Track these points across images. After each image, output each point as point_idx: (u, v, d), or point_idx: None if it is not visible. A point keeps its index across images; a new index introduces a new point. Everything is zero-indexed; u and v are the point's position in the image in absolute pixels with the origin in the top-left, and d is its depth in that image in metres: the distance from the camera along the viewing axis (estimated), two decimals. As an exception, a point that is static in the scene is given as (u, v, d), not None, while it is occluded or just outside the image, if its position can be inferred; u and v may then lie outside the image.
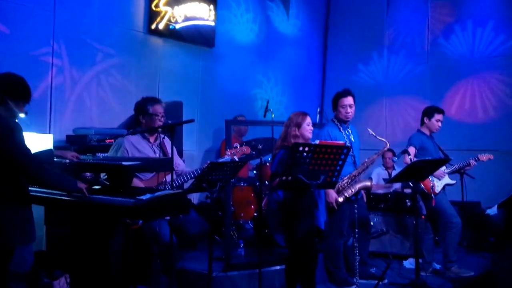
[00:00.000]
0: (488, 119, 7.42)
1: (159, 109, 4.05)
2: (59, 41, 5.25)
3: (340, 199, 4.39)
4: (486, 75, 7.50)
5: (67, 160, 3.27)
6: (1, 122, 2.73)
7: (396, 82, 8.41)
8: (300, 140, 4.07)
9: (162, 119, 4.07)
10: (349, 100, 4.61)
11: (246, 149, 4.32)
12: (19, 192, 2.76)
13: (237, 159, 4.17)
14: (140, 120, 4.07)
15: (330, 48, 9.24)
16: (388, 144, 4.61)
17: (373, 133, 4.56)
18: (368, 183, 4.57)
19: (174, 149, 3.65)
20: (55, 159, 3.34)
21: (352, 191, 4.44)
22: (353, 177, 4.47)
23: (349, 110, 4.61)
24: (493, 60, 7.45)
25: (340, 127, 4.64)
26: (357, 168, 4.52)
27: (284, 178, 3.46)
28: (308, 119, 4.16)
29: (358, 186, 4.49)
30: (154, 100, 4.09)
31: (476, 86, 7.57)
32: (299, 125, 4.10)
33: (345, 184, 4.42)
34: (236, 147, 4.29)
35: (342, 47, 9.05)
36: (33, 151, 3.02)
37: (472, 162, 5.28)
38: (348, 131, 4.66)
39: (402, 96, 8.33)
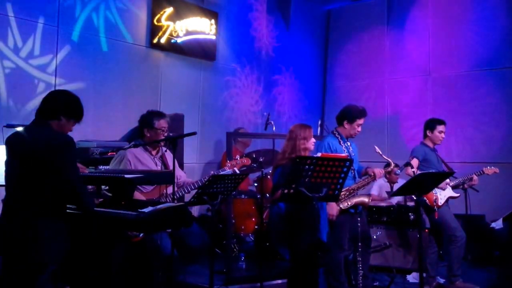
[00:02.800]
0: (493, 131, 7.39)
1: (164, 123, 4.08)
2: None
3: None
4: (487, 88, 7.51)
5: None
6: (57, 135, 2.79)
7: (397, 93, 8.42)
8: (307, 153, 4.07)
9: (165, 133, 4.09)
10: (363, 120, 4.62)
11: (246, 161, 4.33)
12: (60, 209, 2.77)
13: (237, 171, 4.16)
14: (145, 133, 4.08)
15: (330, 59, 9.28)
16: (393, 164, 4.60)
17: (380, 152, 4.53)
18: (366, 200, 4.51)
19: (175, 161, 3.65)
20: None
21: (348, 204, 4.39)
22: (351, 191, 4.43)
23: (360, 129, 4.62)
24: (492, 74, 7.48)
25: (340, 140, 4.60)
26: (357, 182, 4.49)
27: (286, 191, 3.44)
28: (312, 132, 4.17)
29: (355, 200, 4.44)
30: (160, 115, 4.12)
31: (477, 99, 7.59)
32: (306, 139, 4.10)
33: (342, 196, 4.37)
34: (237, 158, 4.30)
35: (342, 58, 9.09)
36: None
37: (474, 177, 5.26)
38: (347, 144, 4.63)
39: (402, 108, 8.34)
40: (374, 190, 6.78)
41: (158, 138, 4.02)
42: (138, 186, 3.79)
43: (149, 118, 4.07)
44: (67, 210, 3.04)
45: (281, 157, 4.17)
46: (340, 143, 4.57)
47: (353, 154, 4.60)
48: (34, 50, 5.11)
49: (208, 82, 7.02)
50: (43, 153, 2.71)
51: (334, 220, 4.30)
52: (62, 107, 2.89)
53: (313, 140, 4.14)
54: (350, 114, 4.59)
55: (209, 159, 6.94)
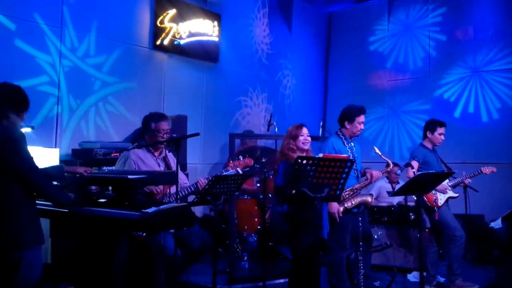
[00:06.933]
0: (492, 132, 7.44)
1: (163, 125, 4.08)
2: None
3: (340, 209, 4.41)
4: (488, 87, 7.56)
5: (77, 175, 3.32)
6: (5, 132, 2.74)
7: (398, 95, 8.48)
8: (297, 152, 4.11)
9: (165, 135, 4.09)
10: (364, 117, 4.67)
11: (249, 161, 4.35)
12: (27, 195, 2.78)
13: (240, 171, 4.19)
14: (145, 135, 4.12)
15: (332, 61, 9.34)
16: (391, 165, 4.65)
17: (379, 152, 4.59)
18: (369, 199, 4.56)
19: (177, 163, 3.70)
20: (65, 175, 3.37)
21: (352, 204, 4.44)
22: (355, 190, 4.48)
23: (363, 126, 4.67)
24: (494, 75, 7.53)
25: (344, 140, 4.64)
26: (360, 182, 4.54)
27: (288, 191, 3.48)
28: (304, 130, 4.23)
29: (358, 199, 4.49)
30: (160, 117, 4.13)
31: (481, 96, 7.63)
32: (295, 137, 4.18)
33: (346, 196, 4.42)
34: (239, 159, 4.33)
35: (343, 60, 9.15)
36: (43, 166, 3.06)
37: (467, 180, 5.31)
38: (351, 145, 4.68)
39: (404, 110, 8.39)
40: (375, 190, 6.82)
41: (158, 140, 4.04)
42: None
43: (149, 120, 4.11)
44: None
45: (278, 156, 4.25)
46: (344, 144, 4.61)
47: (356, 155, 4.64)
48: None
49: (211, 83, 7.08)
50: None
51: (336, 219, 4.35)
52: (8, 103, 2.78)
53: (304, 138, 4.20)
54: (349, 113, 4.65)
55: (212, 160, 6.99)
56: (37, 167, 2.82)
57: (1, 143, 2.68)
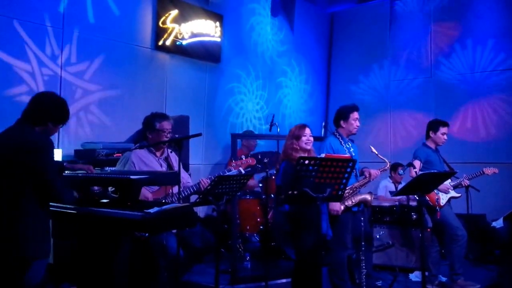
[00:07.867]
0: (492, 132, 7.44)
1: (166, 125, 4.09)
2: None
3: (341, 207, 4.42)
4: (488, 90, 7.57)
5: (79, 174, 3.34)
6: (36, 137, 2.81)
7: (400, 96, 8.48)
8: (300, 152, 4.12)
9: (169, 135, 4.09)
10: (358, 114, 4.67)
11: (251, 161, 4.35)
12: (41, 206, 2.82)
13: (243, 171, 4.19)
14: (148, 135, 4.13)
15: (334, 62, 9.35)
16: (388, 164, 4.67)
17: (376, 152, 4.61)
18: (368, 197, 4.57)
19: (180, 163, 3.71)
20: (68, 172, 3.40)
21: (352, 202, 4.46)
22: (354, 189, 4.50)
23: (358, 123, 4.67)
24: (494, 76, 7.54)
25: (341, 140, 4.64)
26: (359, 181, 4.55)
27: (290, 192, 3.49)
28: (307, 131, 4.24)
29: (358, 198, 4.50)
30: (162, 117, 4.14)
31: (478, 101, 7.64)
32: (298, 137, 4.19)
33: (346, 194, 4.43)
34: (242, 158, 4.33)
35: (346, 61, 9.17)
36: None
37: (465, 182, 5.31)
38: (348, 145, 4.69)
39: (405, 110, 8.39)
40: (379, 190, 6.83)
41: (160, 140, 4.04)
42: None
43: (151, 120, 4.10)
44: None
45: (281, 156, 4.27)
46: (341, 144, 4.62)
47: (353, 154, 4.65)
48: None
49: (213, 83, 7.09)
50: (23, 156, 2.72)
51: (337, 217, 4.35)
52: (51, 114, 2.89)
53: (307, 138, 4.22)
54: (343, 112, 4.67)
55: (214, 160, 7.01)
56: (57, 174, 2.89)
57: (29, 146, 2.76)
